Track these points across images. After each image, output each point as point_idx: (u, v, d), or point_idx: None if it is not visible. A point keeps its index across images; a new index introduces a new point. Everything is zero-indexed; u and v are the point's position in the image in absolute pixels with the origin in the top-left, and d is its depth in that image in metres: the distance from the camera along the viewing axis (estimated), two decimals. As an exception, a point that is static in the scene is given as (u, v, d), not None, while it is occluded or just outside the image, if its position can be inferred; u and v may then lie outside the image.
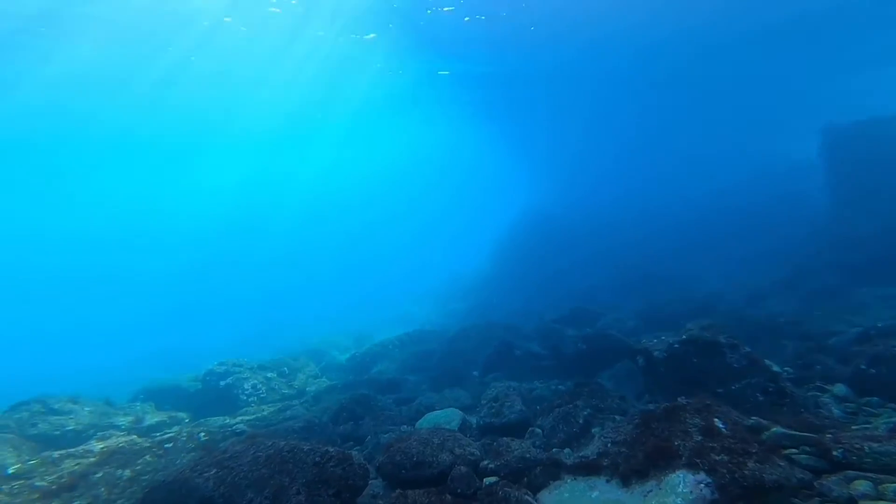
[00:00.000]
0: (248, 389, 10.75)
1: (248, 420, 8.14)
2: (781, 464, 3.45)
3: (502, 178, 59.51)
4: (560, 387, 9.43)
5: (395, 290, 37.88)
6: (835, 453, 3.55)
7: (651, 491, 3.77)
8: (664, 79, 28.72)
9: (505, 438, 5.98)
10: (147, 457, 5.23)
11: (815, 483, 3.34)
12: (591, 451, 5.05)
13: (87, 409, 7.85)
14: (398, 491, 4.45)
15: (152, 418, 8.18)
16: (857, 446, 3.50)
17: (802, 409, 4.86)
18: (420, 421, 7.38)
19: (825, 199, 18.13)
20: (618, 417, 6.02)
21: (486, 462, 5.31)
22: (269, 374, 12.06)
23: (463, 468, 5.02)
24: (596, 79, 27.93)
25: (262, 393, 11.07)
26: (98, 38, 17.79)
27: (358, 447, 7.02)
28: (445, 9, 18.08)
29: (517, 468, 5.08)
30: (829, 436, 3.82)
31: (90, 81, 22.24)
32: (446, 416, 7.33)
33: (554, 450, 6.05)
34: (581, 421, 6.39)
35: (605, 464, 4.59)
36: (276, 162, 49.52)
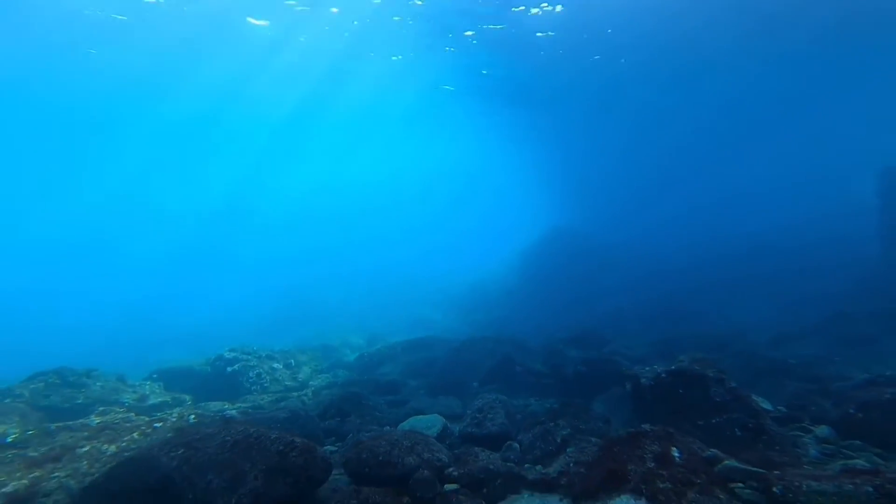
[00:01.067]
0: (252, 377, 11.15)
1: (244, 407, 8.48)
2: (721, 496, 3.37)
3: (536, 191, 59.15)
4: (555, 406, 9.31)
5: (417, 294, 38.20)
6: (775, 489, 3.46)
7: (595, 513, 3.74)
8: (720, 106, 27.86)
9: (476, 448, 6.00)
10: (135, 434, 5.56)
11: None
12: (554, 469, 5.02)
13: (98, 384, 8.40)
14: (354, 486, 4.55)
15: (157, 398, 8.66)
16: (797, 484, 3.42)
17: (777, 447, 4.65)
18: (402, 424, 7.48)
19: (877, 244, 17.18)
20: (593, 439, 5.91)
21: (451, 469, 5.35)
22: (275, 365, 12.45)
23: (426, 472, 5.08)
24: (645, 99, 27.32)
25: (266, 382, 11.44)
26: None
27: (339, 443, 7.19)
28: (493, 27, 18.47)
29: (479, 478, 5.10)
30: (777, 472, 3.69)
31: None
32: (429, 422, 7.40)
33: (526, 465, 6.01)
34: (559, 440, 6.31)
35: (562, 482, 4.57)
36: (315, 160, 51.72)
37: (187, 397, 9.35)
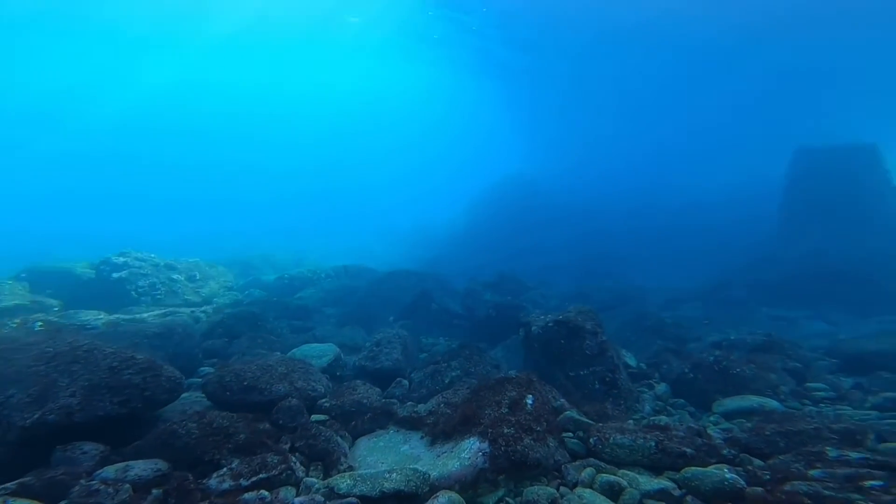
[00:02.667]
0: (142, 287, 10.22)
1: (120, 319, 7.71)
2: (550, 444, 3.49)
3: (493, 139, 58.88)
4: (454, 347, 9.44)
5: (364, 226, 37.67)
6: (591, 440, 3.71)
7: (445, 452, 3.74)
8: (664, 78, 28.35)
9: (358, 382, 5.89)
10: (-44, 334, 4.77)
11: (562, 466, 3.43)
12: (424, 408, 5.01)
13: (-61, 274, 7.16)
14: (198, 410, 4.21)
15: (12, 300, 7.55)
16: (607, 436, 3.74)
17: (622, 402, 4.98)
18: (294, 350, 7.20)
19: (778, 218, 18.79)
20: (475, 382, 6.00)
21: (323, 400, 5.20)
22: (175, 276, 11.51)
23: (294, 401, 4.86)
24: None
25: (160, 294, 10.58)
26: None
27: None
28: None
29: (349, 411, 4.99)
30: (600, 425, 3.96)
31: None
32: (321, 350, 7.17)
33: (408, 403, 6.00)
34: (447, 381, 6.34)
35: (429, 421, 4.55)
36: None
37: (55, 303, 8.33)
